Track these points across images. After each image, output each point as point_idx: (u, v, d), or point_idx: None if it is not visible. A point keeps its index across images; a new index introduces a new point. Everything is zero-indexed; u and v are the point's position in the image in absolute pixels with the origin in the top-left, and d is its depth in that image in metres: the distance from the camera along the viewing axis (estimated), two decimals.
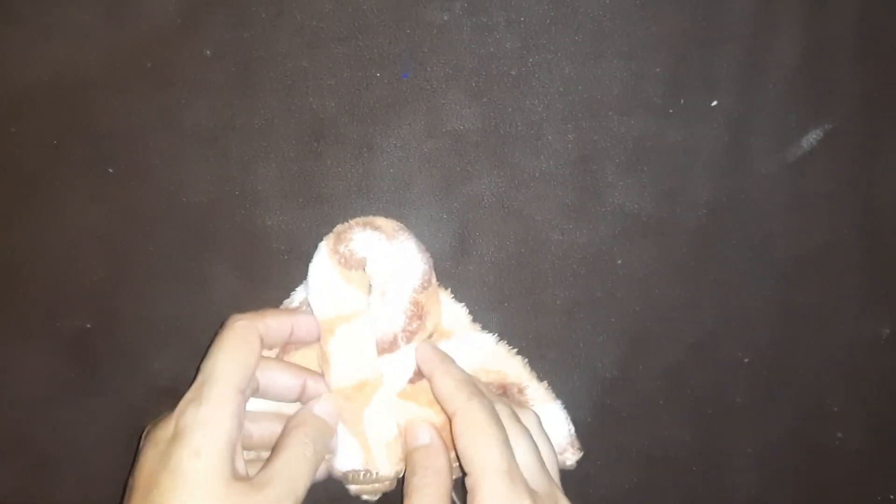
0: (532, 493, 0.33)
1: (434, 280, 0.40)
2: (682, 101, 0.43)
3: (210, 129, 0.43)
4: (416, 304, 0.39)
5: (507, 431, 0.35)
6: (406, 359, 0.39)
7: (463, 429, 0.35)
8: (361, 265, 0.39)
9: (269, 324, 0.37)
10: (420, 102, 0.43)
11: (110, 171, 0.43)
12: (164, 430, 0.34)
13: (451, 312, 0.42)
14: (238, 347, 0.36)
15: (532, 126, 0.43)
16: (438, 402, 0.37)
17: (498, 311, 0.43)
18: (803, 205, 0.44)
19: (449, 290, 0.42)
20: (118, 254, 0.43)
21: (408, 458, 0.38)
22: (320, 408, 0.38)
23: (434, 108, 0.43)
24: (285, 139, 0.43)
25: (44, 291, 0.43)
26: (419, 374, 0.39)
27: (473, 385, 0.37)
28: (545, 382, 0.42)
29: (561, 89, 0.43)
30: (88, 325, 0.43)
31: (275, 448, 0.36)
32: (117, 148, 0.43)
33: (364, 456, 0.39)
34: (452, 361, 0.38)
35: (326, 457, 0.38)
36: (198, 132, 0.43)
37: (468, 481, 0.34)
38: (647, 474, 0.45)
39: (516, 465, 0.34)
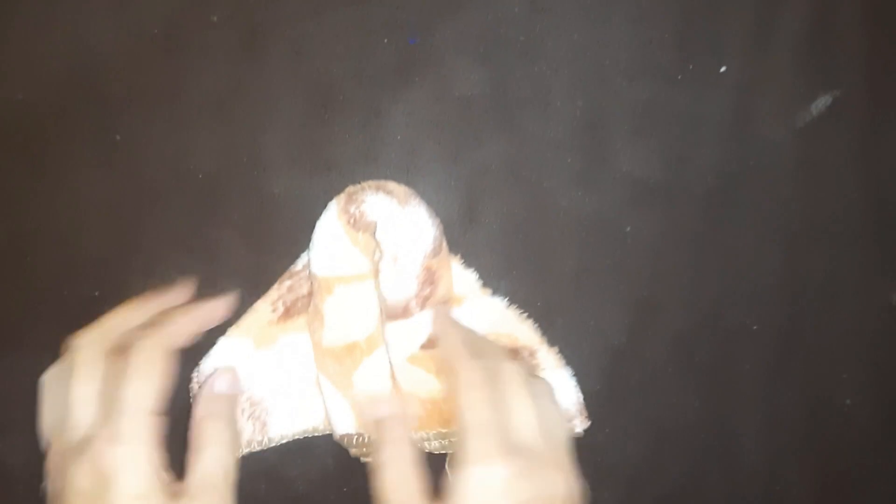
0: (513, 453, 0.33)
1: (445, 246, 0.40)
2: (690, 66, 0.43)
3: (217, 95, 0.42)
4: (428, 269, 0.38)
5: (509, 393, 0.35)
6: (418, 325, 0.39)
7: (458, 388, 0.35)
8: (369, 228, 0.39)
9: (173, 333, 0.37)
10: (427, 68, 0.43)
11: (117, 138, 0.42)
12: (81, 477, 0.32)
13: (462, 278, 0.42)
14: (145, 372, 0.35)
15: (540, 92, 0.43)
16: (446, 365, 0.37)
17: (506, 278, 0.43)
18: (812, 171, 0.44)
19: (459, 255, 0.42)
20: (125, 221, 0.43)
21: (371, 432, 0.38)
22: (221, 384, 0.38)
23: (442, 74, 0.43)
24: (292, 106, 0.42)
25: (51, 260, 0.43)
26: (431, 342, 0.39)
27: (477, 349, 0.36)
28: (556, 348, 0.42)
29: (569, 55, 0.43)
30: (96, 294, 0.43)
31: (192, 448, 0.35)
32: (124, 115, 0.42)
33: (356, 420, 0.39)
34: (464, 328, 0.38)
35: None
36: (204, 99, 0.42)
37: (459, 443, 0.34)
38: (656, 442, 0.45)
39: (496, 424, 0.34)
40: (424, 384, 0.39)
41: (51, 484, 0.35)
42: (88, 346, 0.36)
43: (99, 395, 0.35)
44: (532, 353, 0.41)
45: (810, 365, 0.45)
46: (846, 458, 0.45)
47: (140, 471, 0.33)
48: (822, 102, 0.44)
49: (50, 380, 0.37)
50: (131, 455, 0.33)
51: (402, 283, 0.38)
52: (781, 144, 0.44)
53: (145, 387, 0.34)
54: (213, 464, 0.35)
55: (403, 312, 0.39)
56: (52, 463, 0.36)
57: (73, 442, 0.34)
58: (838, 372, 0.45)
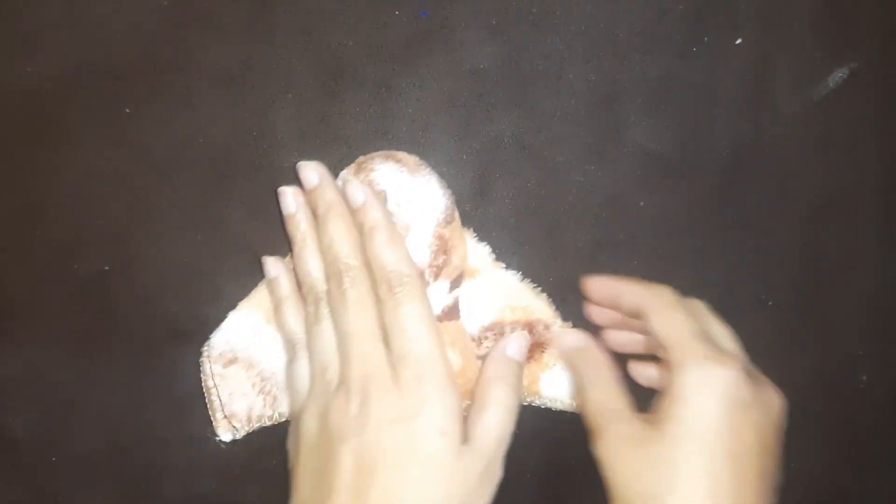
0: (732, 357, 0.36)
1: (457, 215, 0.40)
2: (705, 39, 0.42)
3: (227, 69, 0.42)
4: (440, 238, 0.38)
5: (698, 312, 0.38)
6: (434, 295, 0.38)
7: (658, 309, 0.37)
8: (380, 198, 0.38)
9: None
10: (439, 41, 0.42)
11: (127, 111, 0.42)
12: (386, 407, 0.35)
13: (475, 252, 0.41)
14: (429, 307, 0.37)
15: (553, 65, 0.42)
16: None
17: (518, 253, 0.43)
18: (828, 145, 0.43)
19: (471, 229, 0.41)
20: (135, 195, 0.43)
21: (567, 361, 0.40)
22: (514, 347, 0.39)
23: (453, 47, 0.42)
24: (303, 79, 0.42)
25: (61, 234, 0.43)
26: (447, 314, 0.39)
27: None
28: (570, 323, 0.41)
29: (582, 27, 0.42)
30: (106, 268, 0.43)
31: (479, 400, 0.37)
32: (134, 88, 0.42)
33: None
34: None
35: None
36: (215, 72, 0.42)
37: (670, 356, 0.35)
38: None
39: (706, 334, 0.36)
40: None
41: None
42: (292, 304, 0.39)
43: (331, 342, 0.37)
44: (546, 327, 0.41)
45: (826, 341, 0.44)
46: (861, 436, 0.45)
47: (447, 407, 0.34)
48: (838, 75, 0.43)
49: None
50: (439, 392, 0.35)
51: (415, 253, 0.38)
52: (797, 118, 0.43)
53: (427, 326, 0.36)
54: (494, 424, 0.36)
55: None
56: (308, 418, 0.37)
57: (332, 389, 0.36)
58: (854, 349, 0.44)
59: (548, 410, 0.42)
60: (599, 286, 0.41)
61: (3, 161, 0.43)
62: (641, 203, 0.43)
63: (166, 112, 0.42)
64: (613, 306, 0.40)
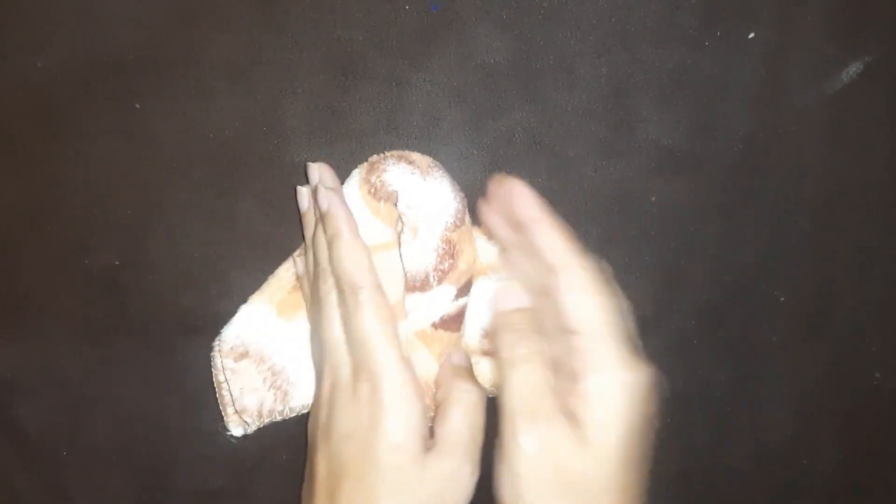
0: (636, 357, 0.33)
1: (467, 219, 0.39)
2: (718, 32, 0.42)
3: (237, 63, 0.42)
4: (448, 242, 0.38)
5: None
6: (436, 300, 0.38)
7: (571, 287, 0.33)
8: (391, 198, 0.38)
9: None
10: (450, 35, 0.42)
11: (137, 106, 0.42)
12: (344, 421, 0.35)
13: (484, 250, 0.41)
14: (385, 317, 0.35)
15: (564, 59, 0.42)
16: (537, 254, 0.35)
17: None
18: (842, 139, 0.43)
19: (482, 227, 0.41)
20: (146, 190, 0.43)
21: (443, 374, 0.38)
22: (456, 357, 0.38)
23: (464, 41, 0.42)
24: (313, 74, 0.42)
25: (72, 229, 0.43)
26: (445, 322, 0.38)
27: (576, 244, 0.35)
28: None
29: (594, 21, 0.42)
30: (117, 262, 0.43)
31: (441, 403, 0.36)
32: (144, 83, 0.42)
33: None
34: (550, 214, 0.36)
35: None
36: (224, 67, 0.42)
37: (577, 341, 0.32)
38: (680, 414, 0.44)
39: (626, 331, 0.34)
40: (422, 364, 0.38)
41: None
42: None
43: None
44: None
45: (839, 337, 0.44)
46: (875, 433, 0.45)
47: (403, 420, 0.34)
48: (852, 69, 0.43)
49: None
50: (394, 406, 0.34)
51: (420, 255, 0.38)
52: (811, 112, 0.43)
53: (381, 336, 0.35)
54: (458, 424, 0.35)
55: (422, 285, 0.38)
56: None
57: (342, 381, 0.36)
58: (868, 345, 0.44)
59: None
60: (522, 204, 0.36)
61: (14, 156, 0.43)
62: (653, 198, 0.43)
63: (176, 107, 0.42)
64: (515, 230, 0.37)
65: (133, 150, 0.42)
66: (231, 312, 0.41)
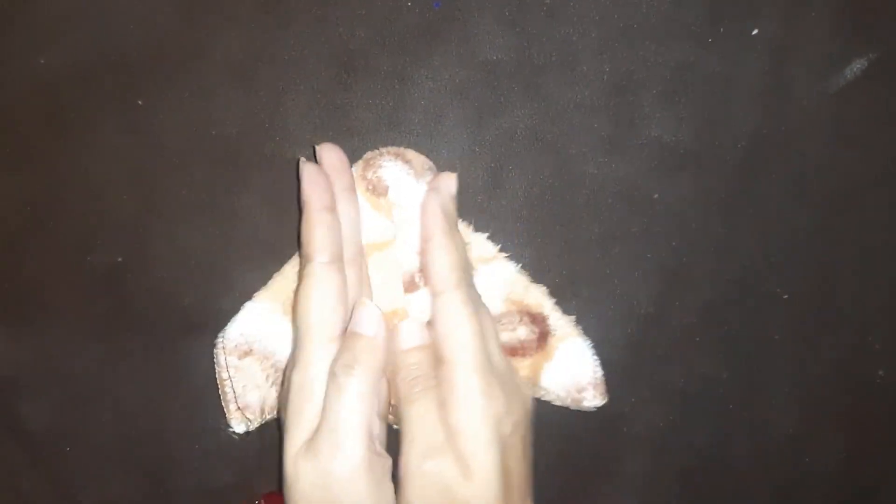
0: (496, 378, 0.35)
1: (456, 223, 0.40)
2: (721, 29, 0.42)
3: (239, 60, 0.42)
4: None
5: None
6: (422, 302, 0.38)
7: (443, 315, 0.35)
8: (386, 193, 0.38)
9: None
10: (452, 32, 0.42)
11: (139, 103, 0.42)
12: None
13: (475, 243, 0.41)
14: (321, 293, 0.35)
15: (567, 56, 0.42)
16: (425, 273, 0.36)
17: (531, 246, 0.43)
18: (846, 137, 0.43)
19: (469, 221, 0.41)
20: (149, 187, 0.43)
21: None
22: (365, 326, 0.36)
23: (466, 38, 0.42)
24: (315, 70, 0.42)
25: (74, 225, 0.43)
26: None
27: (465, 270, 0.36)
28: (573, 317, 0.41)
29: (597, 17, 0.42)
30: (119, 259, 0.43)
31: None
32: (146, 79, 0.42)
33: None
34: (454, 235, 0.36)
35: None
36: (227, 63, 0.42)
37: (443, 370, 0.34)
38: (683, 413, 0.44)
39: (489, 360, 0.35)
40: None
41: None
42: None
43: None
44: (544, 320, 0.41)
45: (842, 335, 0.44)
46: (878, 432, 0.45)
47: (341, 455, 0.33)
48: (857, 66, 0.42)
49: None
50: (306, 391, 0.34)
51: (406, 257, 0.38)
52: (815, 109, 0.42)
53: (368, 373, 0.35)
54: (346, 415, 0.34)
55: (408, 286, 0.38)
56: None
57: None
58: (871, 343, 0.44)
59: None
60: (427, 216, 0.36)
61: (17, 153, 0.43)
62: (656, 195, 0.43)
63: (178, 104, 0.42)
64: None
65: (136, 147, 0.42)
66: (234, 310, 0.41)
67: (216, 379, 0.41)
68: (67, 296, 0.43)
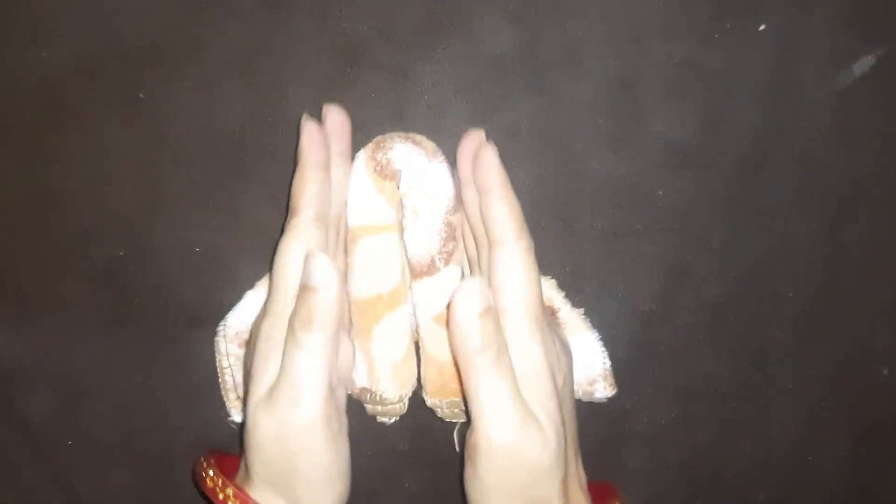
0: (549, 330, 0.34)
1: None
2: (727, 25, 0.42)
3: (242, 54, 0.42)
4: (449, 224, 0.38)
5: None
6: (445, 282, 0.38)
7: (504, 264, 0.34)
8: (395, 177, 0.38)
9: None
10: (456, 26, 0.41)
11: (141, 96, 0.42)
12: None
13: None
14: (303, 245, 0.35)
15: (571, 51, 0.42)
16: (482, 220, 0.35)
17: (534, 241, 0.42)
18: (853, 135, 0.43)
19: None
20: (150, 181, 0.42)
21: None
22: (317, 278, 0.33)
23: (470, 33, 0.41)
24: (318, 64, 0.42)
25: (76, 218, 0.43)
26: None
27: (525, 222, 0.36)
28: (581, 310, 0.41)
29: (602, 12, 0.41)
30: (121, 253, 0.43)
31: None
32: (148, 73, 0.42)
33: (368, 374, 0.38)
34: (511, 187, 0.36)
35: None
36: (229, 57, 0.42)
37: (502, 320, 0.33)
38: (686, 411, 0.44)
39: (542, 310, 0.34)
40: (447, 347, 0.38)
41: None
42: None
43: None
44: (553, 313, 0.41)
45: (846, 334, 0.44)
46: (881, 431, 0.44)
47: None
48: (864, 63, 0.42)
49: None
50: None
51: (425, 239, 0.38)
52: (822, 107, 0.42)
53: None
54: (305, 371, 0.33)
55: (429, 269, 0.38)
56: None
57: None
58: (875, 341, 0.44)
59: None
60: (483, 167, 0.36)
61: (19, 146, 0.43)
62: (660, 192, 0.42)
63: (181, 97, 0.42)
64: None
65: (137, 140, 0.42)
66: (234, 303, 0.41)
67: (215, 371, 0.41)
68: (69, 288, 0.43)
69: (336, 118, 0.38)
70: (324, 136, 0.37)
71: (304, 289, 0.33)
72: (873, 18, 0.42)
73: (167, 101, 0.42)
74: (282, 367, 0.33)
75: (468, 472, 0.33)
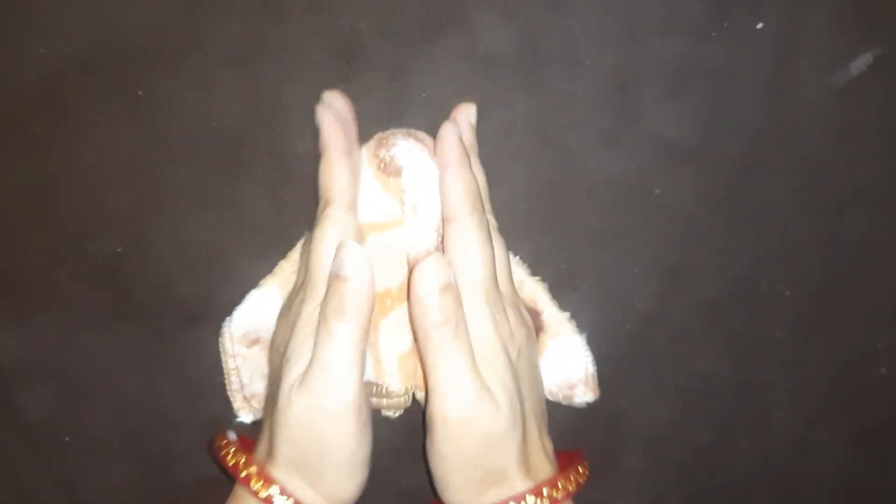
0: (504, 308, 0.35)
1: None
2: (725, 23, 0.42)
3: (240, 51, 0.42)
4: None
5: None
6: None
7: (456, 239, 0.35)
8: (399, 173, 0.38)
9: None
10: (454, 24, 0.42)
11: (140, 93, 0.42)
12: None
13: None
14: (339, 235, 0.35)
15: (569, 49, 0.42)
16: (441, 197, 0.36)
17: (530, 240, 0.42)
18: (850, 133, 0.42)
19: None
20: (149, 178, 0.43)
21: None
22: (349, 269, 0.34)
23: (468, 30, 0.42)
24: (316, 62, 0.42)
25: (75, 215, 0.43)
26: None
27: (478, 199, 0.36)
28: (567, 313, 0.41)
29: (599, 10, 0.41)
30: (119, 250, 0.43)
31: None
32: (146, 70, 0.42)
33: (375, 368, 0.38)
34: (469, 164, 0.36)
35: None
36: (227, 54, 0.42)
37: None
38: (683, 410, 0.44)
39: (496, 286, 0.35)
40: None
41: None
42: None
43: None
44: (538, 315, 0.40)
45: (844, 333, 0.43)
46: (880, 430, 0.44)
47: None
48: (862, 61, 0.42)
49: None
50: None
51: (422, 235, 0.38)
52: (819, 105, 0.42)
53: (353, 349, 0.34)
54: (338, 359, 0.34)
55: None
56: None
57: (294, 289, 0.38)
58: (873, 340, 0.44)
59: None
60: (444, 146, 0.36)
61: (17, 143, 0.43)
62: (657, 190, 0.42)
63: (179, 94, 0.42)
64: None
65: (135, 137, 0.42)
66: (233, 301, 0.41)
67: (215, 369, 0.41)
68: (67, 286, 0.43)
69: (341, 105, 0.38)
70: (343, 123, 0.37)
71: (335, 278, 0.34)
72: (871, 17, 0.42)
73: (165, 99, 0.42)
74: (314, 353, 0.33)
75: (427, 444, 0.34)
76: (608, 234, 0.43)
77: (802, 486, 0.45)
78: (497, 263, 0.36)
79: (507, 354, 0.34)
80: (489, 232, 0.36)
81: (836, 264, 0.43)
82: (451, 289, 0.33)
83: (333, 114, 0.37)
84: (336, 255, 0.34)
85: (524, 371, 0.35)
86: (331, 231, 0.35)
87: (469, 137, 0.38)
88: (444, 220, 0.36)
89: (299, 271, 0.38)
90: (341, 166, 0.36)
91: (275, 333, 0.38)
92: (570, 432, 0.43)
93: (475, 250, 0.34)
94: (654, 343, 0.44)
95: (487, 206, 0.38)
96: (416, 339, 0.35)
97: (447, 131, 0.36)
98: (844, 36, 0.42)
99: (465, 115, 0.39)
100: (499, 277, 0.36)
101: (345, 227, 0.36)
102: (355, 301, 0.33)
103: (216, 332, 0.41)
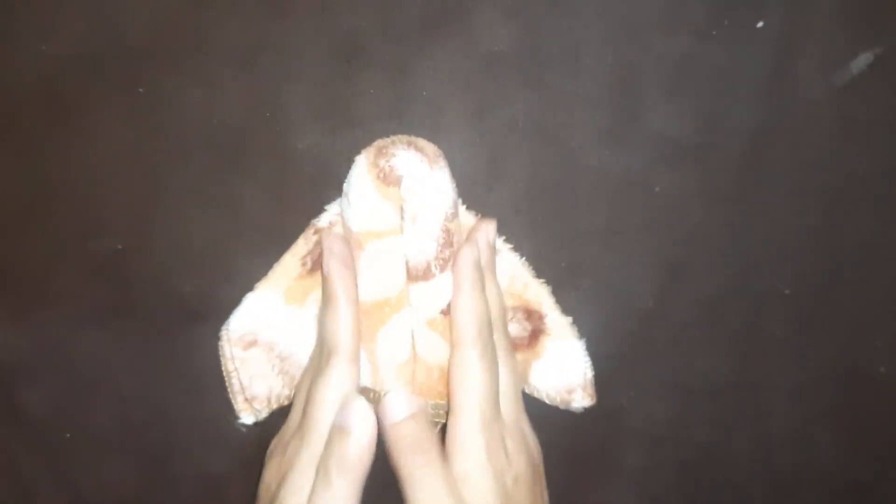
0: (502, 432, 0.36)
1: (459, 210, 0.39)
2: (726, 21, 0.42)
3: (241, 49, 0.42)
4: (447, 231, 0.38)
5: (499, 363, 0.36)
6: (439, 288, 0.38)
7: (455, 368, 0.36)
8: (399, 183, 0.38)
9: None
10: (454, 23, 0.42)
11: (141, 90, 0.42)
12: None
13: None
14: (341, 389, 0.36)
15: (570, 47, 0.42)
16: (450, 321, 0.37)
17: (531, 238, 0.42)
18: (851, 131, 0.43)
19: (474, 213, 0.41)
20: (150, 175, 0.43)
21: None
22: (355, 425, 0.35)
23: (469, 29, 0.42)
24: (317, 60, 0.42)
25: (75, 213, 0.43)
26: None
27: (487, 325, 0.36)
28: (570, 318, 0.41)
29: (600, 9, 0.41)
30: (120, 247, 0.43)
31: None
32: (148, 68, 0.42)
33: (372, 375, 0.39)
34: (482, 288, 0.37)
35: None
36: (228, 53, 0.42)
37: (451, 419, 0.35)
38: (683, 407, 0.44)
39: (495, 415, 0.35)
40: (437, 350, 0.38)
41: None
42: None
43: None
44: (540, 317, 0.41)
45: (844, 331, 0.44)
46: (879, 428, 0.44)
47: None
48: (862, 60, 0.42)
49: None
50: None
51: (422, 244, 0.38)
52: (820, 104, 0.42)
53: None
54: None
55: (424, 274, 0.38)
56: None
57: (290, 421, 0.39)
58: (873, 339, 0.44)
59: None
60: (460, 267, 0.37)
61: (18, 140, 0.43)
62: (658, 188, 0.42)
63: (180, 92, 0.42)
64: None
65: (137, 134, 0.42)
66: (234, 299, 0.41)
67: (215, 366, 0.41)
68: (68, 282, 0.43)
69: (341, 249, 0.38)
70: (351, 264, 0.38)
71: (340, 431, 0.34)
72: (871, 16, 0.42)
73: (166, 97, 0.42)
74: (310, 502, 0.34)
75: None
76: (609, 233, 0.43)
77: (802, 484, 0.45)
78: (502, 387, 0.36)
79: (502, 483, 0.35)
80: (494, 359, 0.36)
81: (835, 263, 0.43)
82: (418, 418, 0.35)
83: (339, 260, 0.37)
84: (342, 409, 0.35)
85: (522, 498, 0.36)
86: (334, 384, 0.36)
87: (486, 256, 0.38)
88: (450, 344, 0.37)
89: (294, 408, 0.38)
90: (348, 316, 0.36)
91: (266, 471, 0.38)
92: (570, 429, 0.43)
93: (474, 379, 0.35)
94: (654, 341, 0.44)
95: (501, 327, 0.38)
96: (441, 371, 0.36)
97: (464, 254, 0.37)
98: (845, 35, 0.42)
99: (484, 233, 0.39)
100: (502, 402, 0.36)
101: (348, 379, 0.36)
102: (358, 455, 0.34)
103: (216, 330, 0.41)
